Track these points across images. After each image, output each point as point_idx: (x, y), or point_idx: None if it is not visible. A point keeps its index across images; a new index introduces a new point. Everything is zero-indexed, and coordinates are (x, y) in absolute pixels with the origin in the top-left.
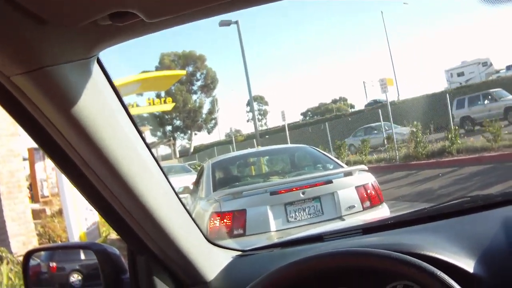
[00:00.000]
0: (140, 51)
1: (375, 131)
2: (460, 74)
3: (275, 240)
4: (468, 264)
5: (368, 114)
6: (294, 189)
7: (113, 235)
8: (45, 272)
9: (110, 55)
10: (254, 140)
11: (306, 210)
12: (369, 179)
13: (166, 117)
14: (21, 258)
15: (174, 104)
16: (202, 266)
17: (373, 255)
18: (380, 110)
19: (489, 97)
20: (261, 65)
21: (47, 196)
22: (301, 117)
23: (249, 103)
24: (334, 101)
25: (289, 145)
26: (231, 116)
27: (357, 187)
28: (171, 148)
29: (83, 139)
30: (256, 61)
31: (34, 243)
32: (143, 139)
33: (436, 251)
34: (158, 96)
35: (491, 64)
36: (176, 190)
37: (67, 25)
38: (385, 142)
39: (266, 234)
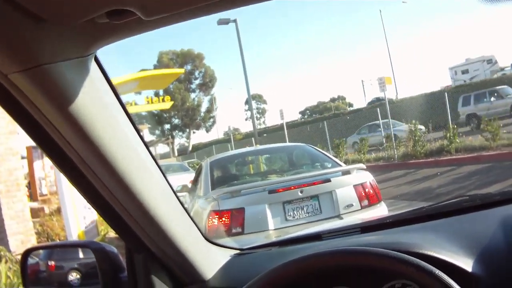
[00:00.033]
0: (138, 49)
1: (380, 129)
2: (465, 72)
3: (273, 238)
4: (466, 263)
5: (366, 113)
6: (292, 187)
7: (112, 234)
8: (44, 270)
9: (108, 53)
10: (253, 138)
11: (304, 209)
12: (367, 178)
13: (165, 115)
14: (19, 257)
15: (172, 102)
16: (200, 264)
17: (372, 254)
18: (378, 109)
19: (495, 94)
20: (259, 64)
21: (46, 195)
22: (300, 115)
23: (247, 102)
24: (333, 100)
25: (288, 143)
26: (229, 115)
27: (355, 186)
28: (169, 147)
29: (81, 137)
30: (254, 60)
31: (32, 242)
32: (141, 137)
33: (434, 250)
34: (157, 94)
35: (496, 62)
36: (174, 188)
37: (64, 23)
38: (384, 142)
39: (264, 232)
